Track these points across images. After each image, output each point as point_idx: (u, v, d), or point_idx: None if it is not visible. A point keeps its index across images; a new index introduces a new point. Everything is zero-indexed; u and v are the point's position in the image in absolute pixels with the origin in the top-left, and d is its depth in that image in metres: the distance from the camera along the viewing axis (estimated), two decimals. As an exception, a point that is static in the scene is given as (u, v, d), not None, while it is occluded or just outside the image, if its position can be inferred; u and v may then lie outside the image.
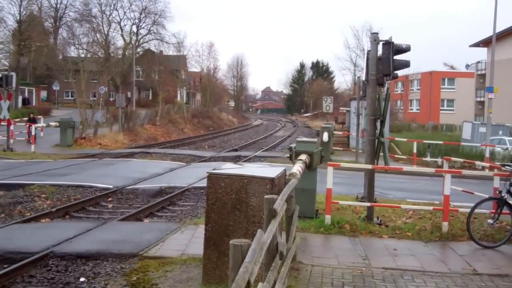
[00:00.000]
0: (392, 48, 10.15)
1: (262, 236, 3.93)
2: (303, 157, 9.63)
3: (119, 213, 11.85)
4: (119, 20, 76.05)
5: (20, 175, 15.87)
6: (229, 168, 7.20)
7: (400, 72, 10.89)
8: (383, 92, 11.34)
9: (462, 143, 24.53)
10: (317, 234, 9.67)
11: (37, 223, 10.38)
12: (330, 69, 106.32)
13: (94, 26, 73.10)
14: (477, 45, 42.66)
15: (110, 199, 13.47)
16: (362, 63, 63.79)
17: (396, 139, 25.79)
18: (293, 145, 10.62)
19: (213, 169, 6.83)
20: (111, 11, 76.13)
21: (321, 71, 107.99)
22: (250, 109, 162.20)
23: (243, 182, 6.43)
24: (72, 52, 77.32)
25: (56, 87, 61.83)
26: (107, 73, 71.95)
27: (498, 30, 26.31)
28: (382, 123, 10.66)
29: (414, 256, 8.48)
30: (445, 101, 69.65)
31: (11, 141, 26.24)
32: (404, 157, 23.45)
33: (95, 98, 65.51)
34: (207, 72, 73.35)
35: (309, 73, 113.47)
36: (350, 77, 73.64)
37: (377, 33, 10.46)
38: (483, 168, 15.68)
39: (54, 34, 74.14)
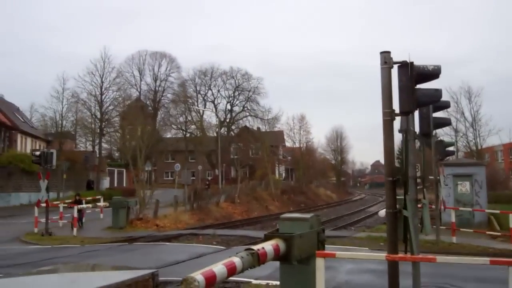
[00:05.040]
0: (412, 72, 6.45)
1: None
2: (265, 245, 6.00)
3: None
4: (213, 99, 77.03)
5: None
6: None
7: None
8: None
9: None
10: None
11: None
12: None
13: (190, 106, 74.49)
14: None
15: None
16: (463, 127, 57.34)
17: (487, 210, 20.29)
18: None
19: None
20: (206, 91, 77.49)
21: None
22: (358, 184, 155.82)
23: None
24: (169, 132, 79.24)
25: (148, 167, 62.17)
26: (201, 151, 71.97)
27: None
28: (405, 185, 6.75)
29: None
30: None
31: (60, 223, 24.75)
32: (500, 234, 18.04)
33: (194, 178, 65.16)
34: (299, 146, 70.60)
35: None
36: (451, 144, 66.27)
37: (389, 52, 6.79)
38: None
39: (154, 116, 76.21)
